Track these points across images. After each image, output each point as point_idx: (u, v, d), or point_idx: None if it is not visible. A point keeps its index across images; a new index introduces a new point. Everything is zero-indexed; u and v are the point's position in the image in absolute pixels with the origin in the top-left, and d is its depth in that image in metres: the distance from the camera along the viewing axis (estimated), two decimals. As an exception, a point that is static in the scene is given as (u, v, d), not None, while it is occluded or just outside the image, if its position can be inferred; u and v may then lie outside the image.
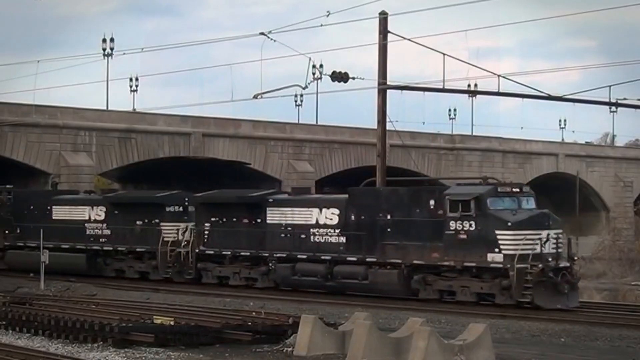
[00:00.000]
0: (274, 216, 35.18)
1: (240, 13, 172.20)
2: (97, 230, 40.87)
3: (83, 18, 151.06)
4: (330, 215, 33.54)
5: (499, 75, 36.91)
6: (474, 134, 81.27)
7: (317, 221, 33.81)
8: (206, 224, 37.05)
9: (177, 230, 37.93)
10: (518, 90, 38.70)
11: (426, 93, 40.57)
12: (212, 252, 36.75)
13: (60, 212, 42.35)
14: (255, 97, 37.22)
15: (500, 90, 37.88)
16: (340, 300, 31.73)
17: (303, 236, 34.11)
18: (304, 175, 64.94)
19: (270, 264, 35.00)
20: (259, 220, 35.54)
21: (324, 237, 33.61)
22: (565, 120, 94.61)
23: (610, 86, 38.46)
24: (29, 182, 51.38)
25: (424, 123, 75.26)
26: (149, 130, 58.88)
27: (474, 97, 79.54)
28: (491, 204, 29.73)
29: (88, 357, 19.77)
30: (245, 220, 35.96)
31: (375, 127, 38.40)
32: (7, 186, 46.58)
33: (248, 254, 35.70)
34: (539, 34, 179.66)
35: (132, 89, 71.78)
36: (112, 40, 65.63)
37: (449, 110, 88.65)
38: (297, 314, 23.57)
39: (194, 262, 37.15)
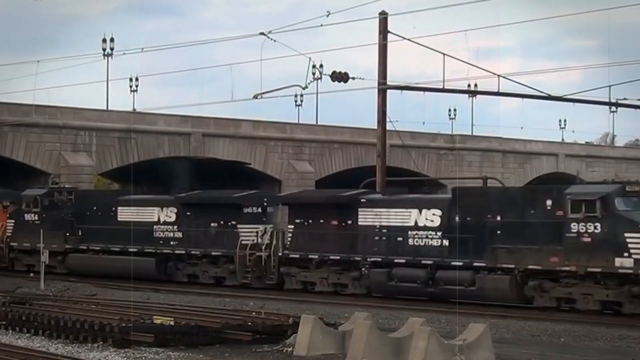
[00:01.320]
0: (366, 217, 32.86)
1: (243, 13, 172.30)
2: (167, 233, 38.53)
3: (83, 18, 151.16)
4: (432, 217, 31.21)
5: (499, 75, 37.02)
6: (474, 134, 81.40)
7: (416, 223, 31.49)
8: (290, 226, 34.93)
9: (256, 232, 35.81)
10: (518, 90, 38.80)
11: (426, 93, 40.72)
12: (297, 255, 34.43)
13: (126, 214, 40.02)
14: (255, 97, 37.26)
15: (501, 90, 37.97)
16: (340, 301, 31.71)
17: (400, 239, 31.82)
18: (303, 175, 65.00)
19: (363, 269, 32.67)
20: (349, 222, 33.25)
21: (424, 240, 31.33)
22: (565, 120, 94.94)
23: (610, 86, 38.58)
24: (29, 182, 51.33)
25: (424, 123, 75.52)
26: (149, 130, 58.95)
27: (474, 97, 79.67)
28: (619, 204, 27.48)
29: (88, 357, 19.75)
30: (335, 222, 33.68)
31: (375, 127, 38.44)
32: (67, 186, 45.36)
33: (338, 258, 33.38)
34: (541, 33, 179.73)
35: (132, 89, 72.00)
36: (112, 40, 65.85)
37: (449, 110, 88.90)
38: (297, 314, 23.55)
39: (276, 266, 34.91)
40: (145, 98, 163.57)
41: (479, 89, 55.46)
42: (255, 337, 21.47)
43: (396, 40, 37.46)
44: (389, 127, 38.83)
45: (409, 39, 37.15)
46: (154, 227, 38.87)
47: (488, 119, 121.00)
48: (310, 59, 36.62)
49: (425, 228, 31.36)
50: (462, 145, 75.40)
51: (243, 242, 35.79)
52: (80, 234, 41.09)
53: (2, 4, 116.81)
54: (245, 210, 36.52)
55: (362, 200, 33.30)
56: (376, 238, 32.57)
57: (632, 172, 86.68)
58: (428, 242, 31.28)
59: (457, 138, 76.80)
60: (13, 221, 43.27)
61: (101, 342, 21.05)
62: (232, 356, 20.11)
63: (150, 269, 38.20)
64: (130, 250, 38.90)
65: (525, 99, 40.68)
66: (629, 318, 27.10)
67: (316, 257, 33.91)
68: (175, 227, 38.30)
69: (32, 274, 40.37)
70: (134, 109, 66.42)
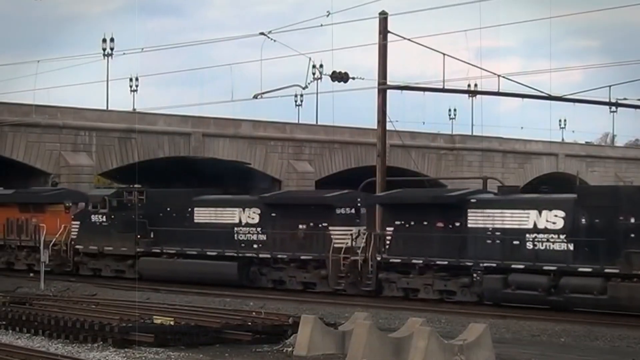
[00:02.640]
0: (477, 219, 30.44)
1: (244, 13, 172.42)
2: (249, 235, 35.93)
3: (83, 18, 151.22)
4: (553, 218, 28.76)
5: (499, 75, 37.01)
6: (474, 134, 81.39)
7: (535, 225, 29.03)
8: (388, 228, 32.44)
9: (350, 235, 33.36)
10: (518, 90, 38.80)
11: (426, 93, 40.69)
12: (398, 260, 31.89)
13: (203, 215, 37.52)
14: (255, 97, 37.25)
15: (501, 90, 37.97)
16: (340, 300, 31.70)
17: (516, 242, 29.37)
18: (304, 175, 65.02)
19: (474, 275, 30.18)
20: (457, 224, 30.82)
21: (544, 244, 28.84)
22: (565, 120, 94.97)
23: (610, 86, 38.60)
24: (29, 182, 51.36)
25: (424, 123, 75.65)
26: (149, 130, 58.96)
27: (474, 97, 79.62)
28: None
29: (88, 357, 19.77)
30: (440, 224, 31.21)
31: (375, 127, 38.44)
32: (136, 186, 42.70)
33: (445, 262, 30.77)
34: (542, 33, 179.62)
35: (132, 89, 72.04)
36: (112, 40, 65.88)
37: (449, 110, 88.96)
38: (297, 314, 23.58)
39: (374, 272, 32.38)
40: (145, 98, 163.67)
41: (479, 89, 55.46)
42: (255, 337, 21.49)
43: (396, 40, 37.47)
44: (389, 127, 38.82)
45: (409, 39, 37.18)
46: (235, 229, 36.38)
47: (488, 119, 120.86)
48: (310, 59, 36.65)
49: (546, 231, 28.94)
50: (462, 145, 75.41)
51: (336, 245, 33.44)
52: (152, 236, 38.73)
53: (2, 4, 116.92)
54: (338, 211, 34.20)
55: (472, 200, 30.99)
56: (488, 241, 30.19)
57: (632, 172, 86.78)
58: (549, 246, 28.87)
59: (457, 138, 76.81)
60: (78, 223, 40.81)
61: (101, 342, 21.08)
62: (232, 356, 20.11)
63: (231, 274, 35.92)
64: (208, 254, 36.64)
65: (525, 99, 40.70)
66: (629, 318, 27.09)
67: (420, 262, 31.38)
68: (259, 229, 35.84)
69: (31, 274, 40.26)
70: (134, 109, 66.47)
